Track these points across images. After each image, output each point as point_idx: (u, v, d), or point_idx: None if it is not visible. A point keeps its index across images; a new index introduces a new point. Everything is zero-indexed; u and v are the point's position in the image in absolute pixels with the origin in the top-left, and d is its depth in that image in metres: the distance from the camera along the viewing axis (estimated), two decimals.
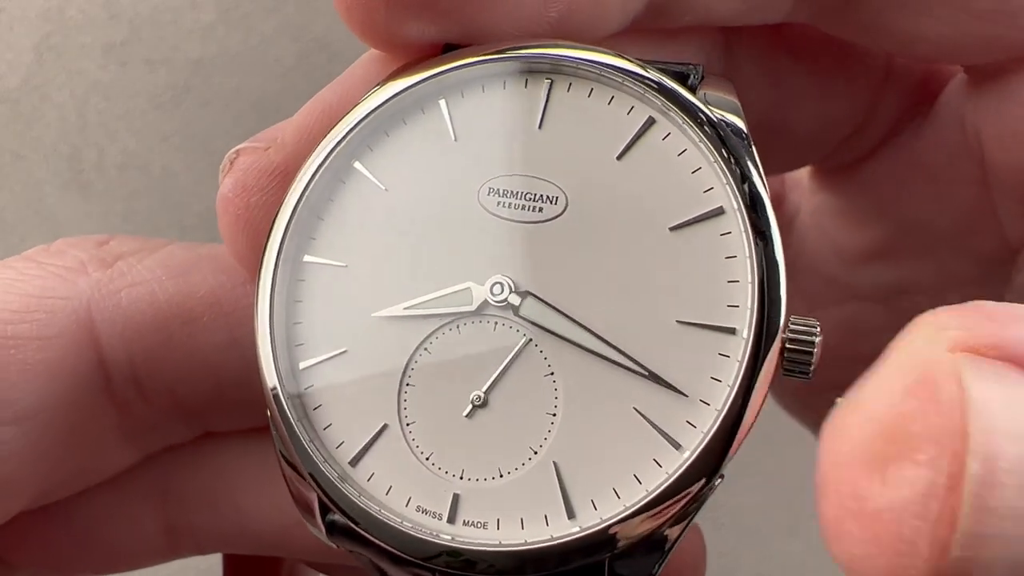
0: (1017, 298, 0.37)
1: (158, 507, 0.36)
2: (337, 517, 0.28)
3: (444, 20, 0.29)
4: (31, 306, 0.30)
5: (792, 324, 0.27)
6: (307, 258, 0.30)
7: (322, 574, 0.42)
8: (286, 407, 0.29)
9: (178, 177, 0.66)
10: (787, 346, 0.27)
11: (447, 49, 0.30)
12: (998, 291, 0.37)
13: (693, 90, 0.29)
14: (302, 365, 0.29)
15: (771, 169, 0.42)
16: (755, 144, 0.29)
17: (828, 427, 0.22)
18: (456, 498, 0.28)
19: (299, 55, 0.66)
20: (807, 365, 0.27)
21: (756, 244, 0.27)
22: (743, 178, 0.28)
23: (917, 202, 0.38)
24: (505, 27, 0.29)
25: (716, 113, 0.28)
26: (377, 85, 0.30)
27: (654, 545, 0.27)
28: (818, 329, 0.27)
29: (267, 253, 0.30)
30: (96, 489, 0.35)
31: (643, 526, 0.26)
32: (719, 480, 0.27)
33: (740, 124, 0.28)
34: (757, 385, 0.26)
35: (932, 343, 0.20)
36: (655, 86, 0.28)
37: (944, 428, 0.19)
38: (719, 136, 0.28)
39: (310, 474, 0.28)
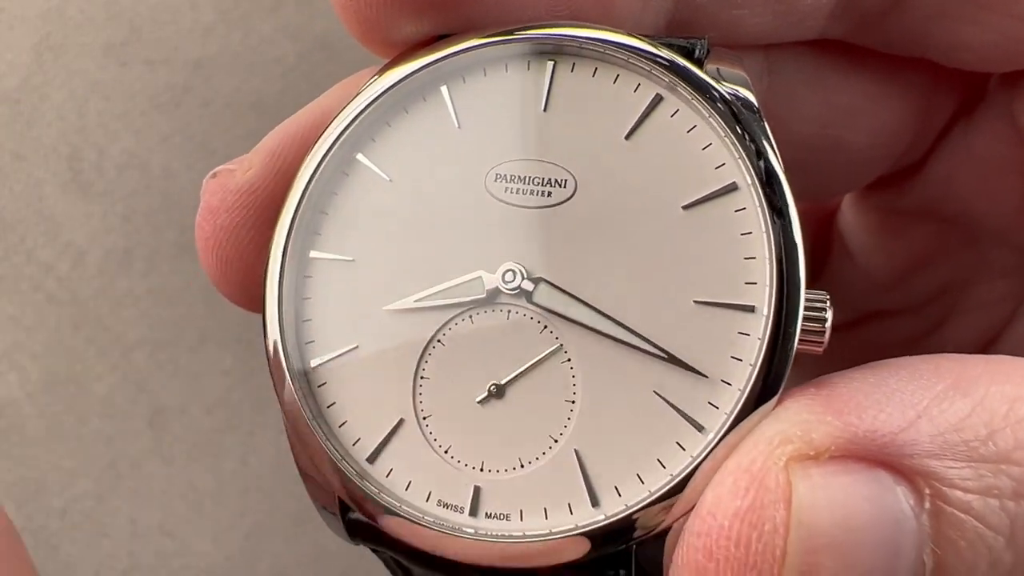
0: None
1: None
2: (358, 515, 0.28)
3: (443, 16, 0.29)
4: None
5: (806, 297, 0.26)
6: (313, 254, 0.30)
7: None
8: (300, 406, 0.28)
9: (178, 177, 0.66)
10: (803, 324, 0.26)
11: (442, 36, 0.30)
12: None
13: (700, 63, 0.28)
14: (313, 363, 0.29)
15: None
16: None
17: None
18: (477, 491, 0.27)
19: (299, 55, 0.66)
20: (821, 335, 0.26)
21: (772, 219, 0.26)
22: (756, 152, 0.27)
23: (969, 198, 0.37)
24: (507, 21, 0.29)
25: (725, 87, 0.28)
26: (375, 75, 0.30)
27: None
28: (828, 301, 0.27)
29: (272, 250, 0.29)
30: None
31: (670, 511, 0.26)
32: None
33: (750, 97, 0.28)
34: (780, 363, 0.26)
35: (770, 458, 0.23)
36: (662, 62, 0.28)
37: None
38: (730, 110, 0.27)
39: (327, 473, 0.28)
